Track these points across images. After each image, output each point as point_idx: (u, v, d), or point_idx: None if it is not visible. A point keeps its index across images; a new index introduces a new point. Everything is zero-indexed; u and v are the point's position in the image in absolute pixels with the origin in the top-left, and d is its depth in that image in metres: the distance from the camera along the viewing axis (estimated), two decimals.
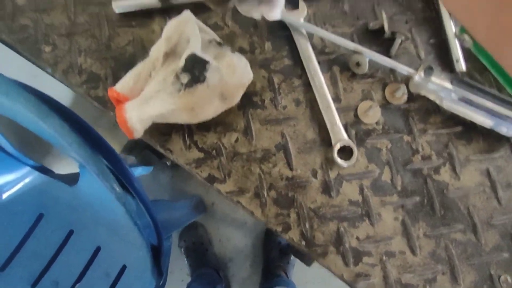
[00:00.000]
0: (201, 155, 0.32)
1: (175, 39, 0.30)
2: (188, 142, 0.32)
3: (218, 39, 0.31)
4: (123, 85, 0.30)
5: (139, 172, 0.97)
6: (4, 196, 0.68)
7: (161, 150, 0.32)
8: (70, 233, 0.67)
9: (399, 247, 0.31)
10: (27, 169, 0.69)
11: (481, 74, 0.34)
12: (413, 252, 0.31)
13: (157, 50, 0.30)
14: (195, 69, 0.28)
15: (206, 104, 0.30)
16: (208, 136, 0.32)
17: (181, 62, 0.28)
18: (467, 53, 0.34)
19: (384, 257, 0.31)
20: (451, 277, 0.31)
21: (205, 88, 0.29)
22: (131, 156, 0.97)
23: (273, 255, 0.94)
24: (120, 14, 0.35)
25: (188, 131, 0.32)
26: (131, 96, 0.30)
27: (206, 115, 0.31)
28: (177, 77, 0.28)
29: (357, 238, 0.31)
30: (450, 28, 0.34)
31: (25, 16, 0.34)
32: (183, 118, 0.30)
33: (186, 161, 0.31)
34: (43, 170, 0.69)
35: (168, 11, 0.35)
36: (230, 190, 0.31)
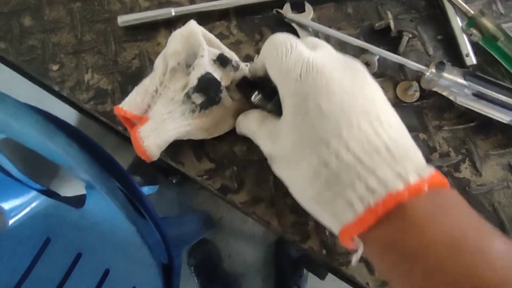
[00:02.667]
0: (213, 165, 0.31)
1: (183, 53, 0.29)
2: (199, 153, 0.31)
3: (225, 51, 0.31)
4: (130, 103, 0.29)
5: (145, 191, 0.96)
6: (11, 221, 0.68)
7: (172, 163, 0.31)
8: (78, 256, 0.66)
9: None
10: (33, 193, 0.68)
11: (492, 67, 0.34)
12: None
13: (164, 64, 0.30)
14: (210, 90, 0.28)
15: (221, 123, 0.30)
16: (219, 145, 0.31)
17: (193, 81, 0.28)
18: (476, 46, 0.34)
19: None
20: None
21: (220, 108, 0.29)
22: (137, 175, 0.97)
23: (285, 268, 0.92)
24: (126, 28, 0.35)
25: (198, 141, 0.32)
26: (139, 113, 0.29)
27: (220, 131, 0.30)
28: (188, 96, 0.28)
29: None
30: (457, 23, 0.34)
31: (33, 38, 0.35)
32: (197, 136, 0.29)
33: (198, 173, 0.31)
34: (50, 193, 0.69)
35: (173, 23, 0.35)
36: (244, 201, 0.30)
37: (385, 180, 0.16)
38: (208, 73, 0.28)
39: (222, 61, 0.30)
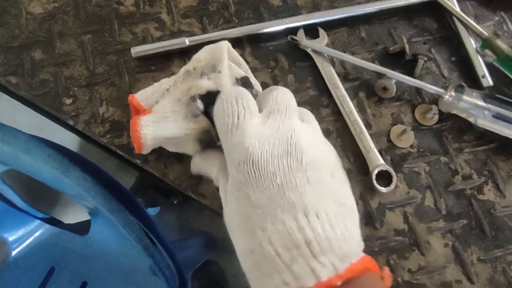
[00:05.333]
0: None
1: (203, 61, 0.29)
2: None
3: (251, 78, 0.30)
4: (142, 92, 0.29)
5: None
6: (14, 252, 0.66)
7: (193, 196, 0.30)
8: (84, 284, 0.64)
9: (454, 276, 0.29)
10: (36, 222, 0.67)
11: (509, 87, 0.34)
12: (470, 280, 0.29)
13: (184, 68, 0.30)
14: (212, 103, 0.26)
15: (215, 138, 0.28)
16: None
17: (202, 90, 0.27)
18: (491, 67, 0.34)
19: None
20: None
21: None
22: (137, 198, 0.96)
23: None
24: (139, 59, 0.34)
25: None
26: (145, 105, 0.29)
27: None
28: (193, 99, 0.27)
29: (409, 270, 0.29)
30: (471, 44, 0.34)
31: (44, 71, 0.34)
32: (190, 148, 0.28)
33: (220, 205, 0.30)
34: (53, 221, 0.67)
35: (186, 52, 0.35)
36: None
37: (298, 276, 0.17)
38: (218, 92, 0.27)
39: (244, 83, 0.29)
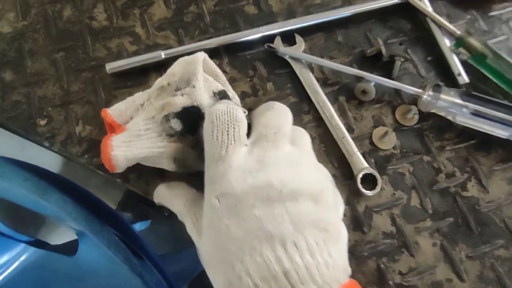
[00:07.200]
0: None
1: (177, 76, 0.28)
2: None
3: (229, 91, 0.30)
4: (115, 108, 0.29)
5: (137, 227, 0.93)
6: None
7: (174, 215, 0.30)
8: None
9: (445, 274, 0.29)
10: (21, 246, 0.64)
11: (484, 83, 0.35)
12: (460, 278, 0.29)
13: (158, 82, 0.29)
14: (190, 121, 0.27)
15: (192, 160, 0.28)
16: None
17: (176, 107, 0.27)
18: (465, 64, 0.34)
19: None
20: None
21: (193, 139, 0.27)
22: (126, 212, 0.94)
23: None
24: (115, 75, 0.34)
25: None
26: (119, 121, 0.29)
27: (190, 168, 0.29)
28: (167, 119, 0.26)
29: (400, 273, 0.29)
30: (445, 44, 0.35)
31: (16, 93, 0.33)
32: (166, 165, 0.28)
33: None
34: (39, 244, 0.65)
35: (163, 66, 0.34)
36: None
37: None
38: (194, 107, 0.27)
39: (222, 97, 0.28)
